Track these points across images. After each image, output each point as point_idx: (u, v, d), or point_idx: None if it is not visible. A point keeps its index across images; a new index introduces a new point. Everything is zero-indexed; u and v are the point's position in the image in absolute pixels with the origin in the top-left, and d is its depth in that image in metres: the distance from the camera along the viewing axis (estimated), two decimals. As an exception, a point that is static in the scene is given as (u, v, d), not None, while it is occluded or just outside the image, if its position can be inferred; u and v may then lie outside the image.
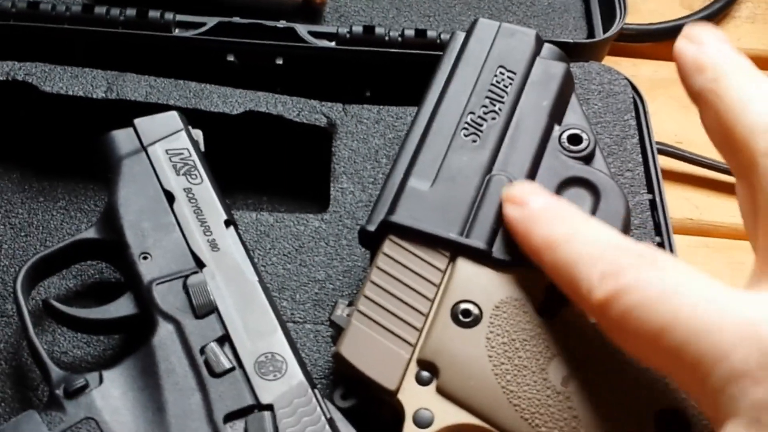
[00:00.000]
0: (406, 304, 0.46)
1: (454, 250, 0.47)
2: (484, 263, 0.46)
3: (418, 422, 0.43)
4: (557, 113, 0.51)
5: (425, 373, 0.44)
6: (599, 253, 0.39)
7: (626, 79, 0.62)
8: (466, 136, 0.50)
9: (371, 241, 0.49)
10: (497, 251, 0.47)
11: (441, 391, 0.44)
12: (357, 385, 0.45)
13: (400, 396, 0.44)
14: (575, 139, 0.50)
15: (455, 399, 0.44)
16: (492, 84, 0.51)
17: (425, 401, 0.44)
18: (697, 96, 0.42)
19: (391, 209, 0.48)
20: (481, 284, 0.46)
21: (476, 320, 0.45)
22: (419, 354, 0.45)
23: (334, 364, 0.48)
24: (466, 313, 0.45)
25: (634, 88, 0.62)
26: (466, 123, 0.50)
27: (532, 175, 0.49)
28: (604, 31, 0.67)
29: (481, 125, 0.50)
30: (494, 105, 0.50)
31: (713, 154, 0.69)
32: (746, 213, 0.41)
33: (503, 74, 0.51)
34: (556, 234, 0.42)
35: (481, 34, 0.53)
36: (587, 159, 0.50)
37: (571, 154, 0.50)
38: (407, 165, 0.50)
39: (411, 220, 0.47)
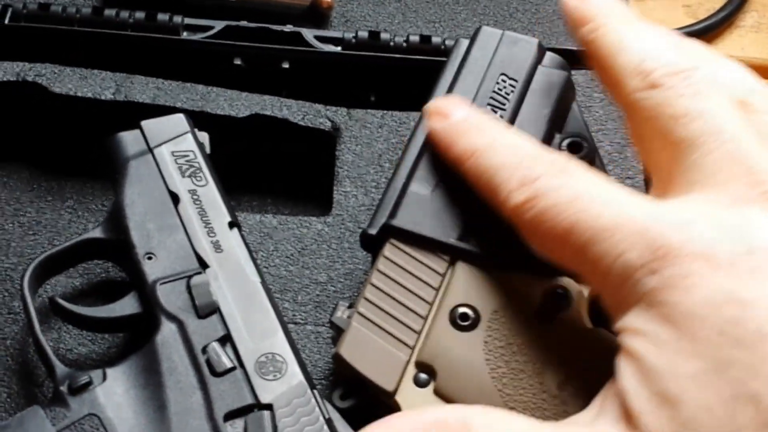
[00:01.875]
0: (405, 307, 0.46)
1: (454, 254, 0.47)
2: (483, 268, 0.47)
3: (415, 424, 0.44)
4: (558, 121, 0.51)
5: (423, 376, 0.45)
6: (517, 161, 0.43)
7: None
8: (467, 142, 0.50)
9: (372, 245, 0.49)
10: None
11: (438, 394, 0.44)
12: (356, 386, 0.46)
13: (398, 397, 0.44)
14: (575, 147, 0.51)
15: (452, 401, 0.44)
16: (494, 91, 0.52)
17: (423, 403, 0.44)
18: (583, 48, 0.46)
19: (393, 213, 0.49)
20: (479, 288, 0.46)
21: (474, 324, 0.46)
22: (417, 356, 0.45)
23: (334, 365, 0.48)
24: (464, 316, 0.46)
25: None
26: (468, 129, 0.51)
27: (531, 181, 0.49)
28: (608, 39, 0.67)
29: (482, 132, 0.50)
30: (495, 112, 0.51)
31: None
32: (638, 148, 0.46)
33: (505, 82, 0.52)
34: (476, 143, 0.45)
35: (483, 41, 0.54)
36: (587, 166, 0.50)
37: (571, 162, 0.50)
38: (409, 170, 0.50)
39: (412, 224, 0.48)
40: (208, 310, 0.47)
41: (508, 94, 0.52)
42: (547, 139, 0.50)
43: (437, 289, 0.47)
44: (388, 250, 0.48)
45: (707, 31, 0.77)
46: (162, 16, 0.63)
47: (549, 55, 0.54)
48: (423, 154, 0.50)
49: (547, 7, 0.70)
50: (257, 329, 0.47)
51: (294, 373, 0.45)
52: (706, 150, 0.40)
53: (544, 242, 0.42)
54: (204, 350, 0.46)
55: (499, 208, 0.43)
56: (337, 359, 0.45)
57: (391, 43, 0.64)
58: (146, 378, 0.45)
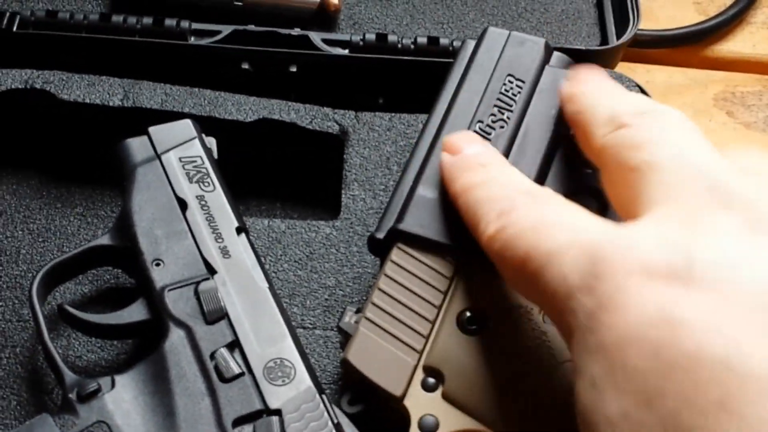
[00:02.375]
0: (413, 311, 0.46)
1: (461, 257, 0.47)
2: (490, 271, 0.47)
3: (424, 428, 0.44)
4: (565, 121, 0.51)
5: (431, 380, 0.45)
6: (503, 195, 0.42)
7: (637, 85, 0.62)
8: (474, 144, 0.50)
9: (380, 249, 0.49)
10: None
11: (446, 398, 0.44)
12: (364, 390, 0.46)
13: (406, 402, 0.44)
14: (583, 148, 0.50)
15: (460, 405, 0.44)
16: (501, 92, 0.52)
17: (431, 407, 0.44)
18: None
19: (400, 217, 0.48)
20: (487, 292, 0.46)
21: (482, 328, 0.45)
22: (425, 361, 0.45)
23: (342, 370, 0.48)
24: (472, 320, 0.46)
25: (644, 94, 0.62)
26: (475, 131, 0.50)
27: (539, 183, 0.49)
28: (618, 38, 0.67)
29: (489, 133, 0.50)
30: (503, 113, 0.51)
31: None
32: (610, 195, 0.43)
33: (512, 83, 0.52)
34: (474, 179, 0.45)
35: (490, 42, 0.54)
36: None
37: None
38: (416, 173, 0.50)
39: (419, 228, 0.48)
40: (216, 315, 0.47)
41: (515, 95, 0.51)
42: (555, 140, 0.50)
43: (445, 293, 0.47)
44: (396, 254, 0.48)
45: (718, 28, 0.77)
46: (169, 22, 0.63)
47: (556, 54, 0.54)
48: (430, 157, 0.50)
49: (556, 7, 0.70)
50: (265, 334, 0.47)
51: (302, 378, 0.45)
52: (667, 169, 0.38)
53: (507, 274, 0.41)
54: (212, 356, 0.46)
55: (478, 241, 0.43)
56: (345, 364, 0.45)
57: (399, 45, 0.64)
58: (155, 385, 0.45)
